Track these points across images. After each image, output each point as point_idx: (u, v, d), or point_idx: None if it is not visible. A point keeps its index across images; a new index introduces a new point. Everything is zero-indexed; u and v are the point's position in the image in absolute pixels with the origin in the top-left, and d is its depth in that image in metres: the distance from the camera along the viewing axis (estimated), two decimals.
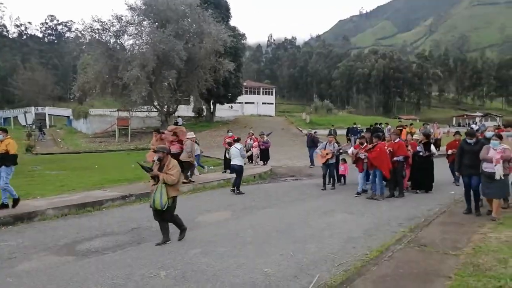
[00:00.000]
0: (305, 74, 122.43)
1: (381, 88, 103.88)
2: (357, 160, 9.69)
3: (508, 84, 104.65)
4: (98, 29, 28.24)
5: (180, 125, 33.04)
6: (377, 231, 6.66)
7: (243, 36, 41.33)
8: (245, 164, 11.97)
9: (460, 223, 6.79)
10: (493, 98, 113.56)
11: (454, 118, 69.17)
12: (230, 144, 13.15)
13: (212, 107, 42.58)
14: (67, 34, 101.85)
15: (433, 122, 40.43)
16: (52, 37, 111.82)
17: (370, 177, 9.53)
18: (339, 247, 5.78)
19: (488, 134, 7.50)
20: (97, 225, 7.38)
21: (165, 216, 6.15)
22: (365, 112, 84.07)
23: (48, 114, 52.62)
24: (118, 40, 29.39)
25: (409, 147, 10.23)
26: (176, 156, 11.13)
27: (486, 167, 6.75)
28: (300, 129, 37.33)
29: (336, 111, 55.72)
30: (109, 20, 28.33)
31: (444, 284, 4.15)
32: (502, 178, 6.58)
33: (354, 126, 24.13)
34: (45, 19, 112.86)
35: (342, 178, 11.96)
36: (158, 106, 30.90)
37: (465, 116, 68.84)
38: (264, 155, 16.50)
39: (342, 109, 72.85)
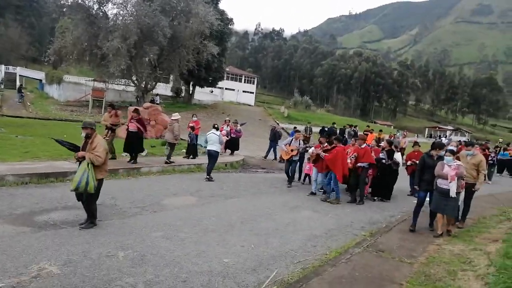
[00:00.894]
0: (288, 67, 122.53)
1: (361, 91, 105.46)
2: (316, 160, 9.58)
3: (480, 102, 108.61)
4: None
5: (157, 103, 32.65)
6: (339, 232, 6.79)
7: (230, 21, 40.73)
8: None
9: (418, 232, 7.00)
10: (465, 114, 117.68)
11: (426, 129, 71.19)
12: (192, 129, 13.49)
13: (191, 88, 41.99)
14: None
15: (403, 130, 41.43)
16: None
17: (327, 178, 9.39)
18: (300, 244, 5.86)
19: (449, 148, 7.13)
20: (58, 197, 7.17)
21: (87, 200, 5.60)
22: (343, 112, 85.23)
23: (19, 75, 50.28)
24: (101, 8, 28.28)
25: (372, 153, 9.94)
26: (132, 134, 11.18)
27: (441, 183, 6.57)
28: (277, 122, 37.48)
29: (314, 108, 56.22)
30: None
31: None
32: (455, 196, 6.48)
33: (333, 126, 23.56)
34: None
35: (307, 177, 11.70)
36: (136, 81, 30.09)
37: (437, 128, 70.94)
38: (233, 145, 16.16)
39: (321, 107, 73.50)
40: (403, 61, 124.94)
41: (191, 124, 13.87)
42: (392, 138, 19.58)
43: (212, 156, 10.67)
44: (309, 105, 52.96)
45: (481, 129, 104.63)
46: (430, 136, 62.25)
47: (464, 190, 6.99)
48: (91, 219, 5.71)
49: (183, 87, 42.59)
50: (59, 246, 4.82)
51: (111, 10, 28.93)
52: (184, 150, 14.06)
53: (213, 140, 10.68)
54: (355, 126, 22.23)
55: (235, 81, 65.80)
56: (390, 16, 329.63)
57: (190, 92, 42.24)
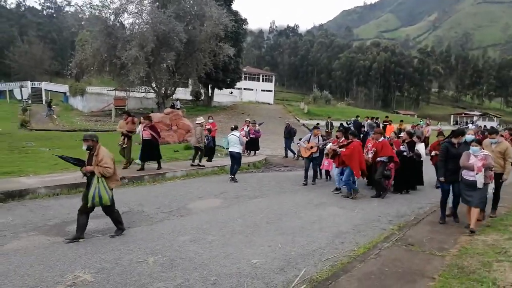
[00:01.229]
0: (305, 63, 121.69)
1: (381, 81, 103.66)
2: (334, 156, 9.46)
3: (508, 85, 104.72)
4: (97, 5, 27.82)
5: (177, 108, 33.09)
6: (366, 227, 6.71)
7: (244, 21, 40.84)
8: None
9: (448, 223, 6.84)
10: (492, 97, 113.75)
11: (452, 116, 69.29)
12: (209, 131, 13.51)
13: (210, 91, 42.35)
14: (66, 8, 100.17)
15: (426, 118, 40.40)
16: (51, 10, 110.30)
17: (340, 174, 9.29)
18: (328, 242, 5.83)
19: (468, 137, 6.73)
20: None
21: (107, 212, 5.72)
22: (364, 105, 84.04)
23: (45, 90, 52.03)
24: (117, 18, 28.93)
25: (393, 146, 9.66)
26: (147, 142, 10.99)
27: (466, 174, 6.22)
28: (298, 118, 37.33)
29: (334, 102, 55.65)
30: None
31: (427, 285, 4.20)
32: (482, 187, 6.11)
33: (357, 119, 22.42)
34: None
35: (327, 173, 11.43)
36: (155, 88, 30.62)
37: (463, 115, 68.90)
38: (254, 145, 15.97)
39: (341, 100, 72.71)
40: (423, 48, 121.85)
41: (207, 127, 13.82)
42: (414, 128, 19.17)
43: (234, 157, 10.74)
44: (329, 100, 52.44)
45: (510, 113, 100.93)
46: (456, 123, 60.55)
47: (492, 181, 6.46)
48: (118, 226, 5.84)
49: (202, 90, 42.97)
50: (92, 255, 4.97)
51: (127, 19, 29.57)
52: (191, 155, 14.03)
53: (233, 141, 10.75)
54: (377, 118, 21.82)
55: (253, 80, 65.89)
56: (406, 3, 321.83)
57: (210, 95, 42.60)
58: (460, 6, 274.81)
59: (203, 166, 12.25)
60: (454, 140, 6.75)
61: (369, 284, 4.27)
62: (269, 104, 54.97)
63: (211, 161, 13.39)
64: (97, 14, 28.17)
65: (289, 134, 16.56)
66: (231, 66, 36.58)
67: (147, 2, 28.80)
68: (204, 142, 12.48)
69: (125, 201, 7.96)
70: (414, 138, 9.96)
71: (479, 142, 6.37)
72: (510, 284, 3.94)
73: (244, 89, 59.58)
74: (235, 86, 45.34)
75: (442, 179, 6.82)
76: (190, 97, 44.44)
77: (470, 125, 33.15)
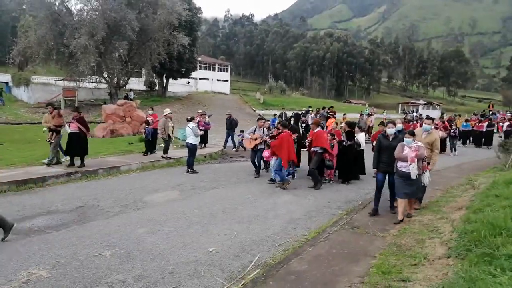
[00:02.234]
0: (261, 52, 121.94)
1: (335, 71, 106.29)
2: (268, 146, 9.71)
3: (449, 75, 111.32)
4: None
5: (131, 99, 32.18)
6: (317, 213, 7.12)
7: (199, 9, 40.33)
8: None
9: (389, 206, 7.40)
10: (436, 87, 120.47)
11: (399, 105, 72.72)
12: (148, 123, 13.09)
13: (164, 81, 41.56)
14: None
15: (371, 108, 42.17)
16: None
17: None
18: (281, 228, 6.16)
19: (389, 131, 6.85)
20: (39, 203, 7.21)
21: None
22: (318, 94, 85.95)
23: None
24: (64, 3, 27.53)
25: (334, 136, 9.96)
26: (74, 135, 10.37)
27: (400, 166, 6.29)
28: (254, 109, 37.67)
29: (289, 92, 56.59)
30: None
31: (369, 263, 4.63)
32: (417, 177, 6.23)
33: (309, 109, 23.17)
34: None
35: (267, 164, 11.13)
36: (107, 78, 29.63)
37: (409, 104, 72.54)
38: (202, 138, 15.05)
39: (296, 90, 74.00)
40: (373, 39, 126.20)
41: (148, 118, 13.41)
42: (359, 118, 20.02)
43: (189, 149, 10.80)
44: (284, 90, 53.28)
45: (452, 101, 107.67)
46: (404, 111, 63.76)
47: (427, 171, 6.69)
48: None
49: (156, 80, 42.10)
50: (46, 251, 4.94)
51: (74, 5, 28.27)
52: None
53: (188, 133, 10.81)
54: (329, 108, 22.52)
55: (208, 70, 65.26)
56: None
57: (164, 85, 41.81)
58: None
59: (169, 157, 12.19)
60: (386, 130, 6.93)
61: (318, 265, 4.63)
62: (225, 94, 54.87)
63: (146, 154, 12.77)
64: None
65: (231, 125, 16.49)
66: (185, 56, 36.10)
67: None
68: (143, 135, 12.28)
69: (79, 195, 7.86)
70: (356, 128, 10.36)
71: (412, 133, 6.44)
72: (438, 257, 4.44)
73: (200, 78, 58.94)
74: (190, 76, 44.79)
75: (374, 169, 7.05)
76: (144, 87, 43.39)
77: (414, 114, 35.13)
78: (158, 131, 12.53)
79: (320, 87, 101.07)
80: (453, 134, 16.64)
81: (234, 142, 16.53)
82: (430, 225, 5.90)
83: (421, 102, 73.49)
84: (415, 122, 18.13)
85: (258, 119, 11.15)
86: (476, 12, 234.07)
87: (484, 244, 4.03)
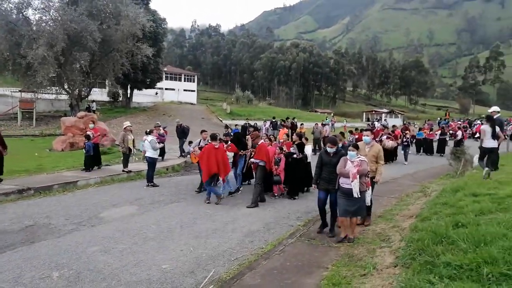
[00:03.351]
0: (228, 62, 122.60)
1: (301, 81, 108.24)
2: None
3: (410, 84, 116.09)
4: None
5: (93, 110, 31.35)
6: (276, 224, 7.17)
7: (163, 20, 40.01)
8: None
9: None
10: (398, 96, 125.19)
11: (364, 113, 74.80)
12: (88, 138, 12.42)
13: (129, 92, 40.79)
14: None
15: (332, 117, 43.22)
16: None
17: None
18: (238, 241, 6.15)
19: (366, 139, 6.87)
20: None
21: None
22: (285, 104, 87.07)
23: None
24: (21, 13, 26.54)
25: (284, 148, 9.82)
26: None
27: (343, 182, 5.84)
28: (221, 119, 37.62)
29: (256, 102, 56.94)
30: None
31: (321, 275, 4.71)
32: (359, 195, 5.69)
33: (273, 120, 23.60)
34: None
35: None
36: (68, 89, 28.70)
37: (373, 112, 74.67)
38: (161, 150, 14.19)
39: (264, 100, 74.56)
40: (338, 50, 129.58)
41: (88, 132, 12.68)
42: (313, 128, 20.01)
43: (148, 162, 10.63)
44: (251, 100, 53.52)
45: (413, 109, 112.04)
46: (368, 119, 65.60)
47: (371, 187, 6.27)
48: None
49: (120, 91, 41.24)
50: None
51: (32, 15, 27.30)
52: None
53: (146, 146, 10.64)
54: (293, 118, 22.91)
55: (175, 80, 64.61)
56: (323, 6, 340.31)
57: (128, 96, 41.04)
58: (369, 11, 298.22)
59: (129, 171, 11.94)
60: (328, 148, 6.35)
61: (271, 279, 4.66)
62: (192, 104, 54.48)
63: (88, 170, 12.02)
64: None
65: (183, 133, 16.35)
66: (150, 66, 35.60)
67: None
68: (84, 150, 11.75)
69: (29, 214, 7.54)
70: (303, 140, 10.00)
71: (356, 146, 6.02)
72: (386, 267, 4.59)
73: (166, 89, 58.23)
74: (156, 86, 44.22)
75: (313, 186, 6.67)
76: (107, 98, 42.38)
77: (376, 123, 36.22)
78: (118, 143, 12.26)
79: (287, 97, 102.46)
80: (406, 143, 16.80)
81: (181, 150, 16.23)
82: (383, 234, 6.09)
83: (384, 110, 75.83)
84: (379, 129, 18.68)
85: (202, 131, 10.75)
86: (432, 24, 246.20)
87: (427, 252, 4.20)
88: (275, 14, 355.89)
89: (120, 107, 39.83)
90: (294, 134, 10.79)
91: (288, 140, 10.77)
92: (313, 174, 7.19)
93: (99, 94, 40.56)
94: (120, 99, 42.02)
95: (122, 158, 12.58)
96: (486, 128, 8.63)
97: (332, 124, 37.28)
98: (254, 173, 9.40)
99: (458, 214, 5.19)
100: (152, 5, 39.54)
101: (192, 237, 6.29)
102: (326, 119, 36.27)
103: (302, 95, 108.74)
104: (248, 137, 11.40)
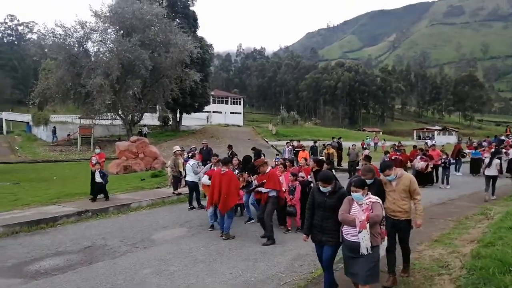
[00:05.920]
0: (273, 84, 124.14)
1: (347, 100, 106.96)
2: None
3: (464, 100, 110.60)
4: (60, 34, 27.61)
5: (145, 134, 32.78)
6: None
7: (210, 46, 41.58)
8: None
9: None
10: (451, 112, 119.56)
11: (414, 131, 72.08)
12: (99, 164, 11.44)
13: (178, 116, 42.40)
14: (29, 36, 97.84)
15: (374, 136, 41.15)
16: (11, 37, 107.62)
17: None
18: (287, 265, 6.05)
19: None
20: (49, 244, 7.29)
21: None
22: (332, 123, 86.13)
23: (6, 119, 50.39)
24: (81, 47, 28.80)
25: (302, 174, 8.53)
26: None
27: (347, 233, 4.15)
28: (267, 140, 37.83)
29: (302, 122, 56.73)
30: (72, 26, 27.75)
31: None
32: (370, 252, 3.98)
33: (315, 145, 21.02)
34: (5, 19, 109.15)
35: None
36: (122, 115, 30.41)
37: (425, 130, 71.85)
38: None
39: (309, 120, 74.28)
40: (384, 67, 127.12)
41: (93, 160, 11.58)
42: (349, 149, 18.11)
43: (189, 186, 10.69)
44: (296, 120, 53.42)
45: (468, 126, 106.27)
46: (419, 137, 63.07)
47: (386, 238, 4.71)
48: None
49: (170, 115, 42.98)
50: None
51: (91, 48, 29.48)
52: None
53: (187, 170, 10.77)
54: (339, 138, 22.47)
55: (221, 103, 66.47)
56: (367, 25, 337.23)
57: (178, 120, 42.63)
58: (416, 28, 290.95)
59: (179, 193, 12.20)
60: (321, 185, 4.58)
61: None
62: (238, 126, 55.46)
63: (95, 200, 10.98)
64: (60, 42, 27.93)
65: (208, 155, 14.91)
66: (198, 91, 36.89)
67: (111, 30, 28.89)
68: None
69: (87, 235, 7.92)
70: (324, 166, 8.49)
71: (362, 184, 4.19)
72: None
73: (213, 112, 59.97)
74: (204, 110, 45.64)
75: (304, 237, 4.88)
76: (158, 123, 44.29)
77: (428, 141, 34.60)
78: (168, 169, 12.55)
79: (333, 116, 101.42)
80: (443, 164, 14.91)
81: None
82: (441, 260, 5.71)
83: (437, 127, 72.69)
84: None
85: (213, 155, 10.17)
86: (486, 37, 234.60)
87: (493, 282, 3.89)
88: (319, 35, 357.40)
89: (170, 131, 41.41)
90: (311, 160, 9.26)
91: (306, 165, 9.21)
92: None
93: (150, 119, 42.54)
94: (170, 123, 43.73)
95: (172, 181, 12.93)
96: None
97: (375, 144, 35.94)
98: (260, 205, 7.93)
99: None
100: (199, 32, 41.35)
101: (241, 260, 6.28)
102: (367, 139, 34.72)
103: (348, 114, 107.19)
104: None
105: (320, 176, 4.73)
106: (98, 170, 11.13)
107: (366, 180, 4.47)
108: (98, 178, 11.00)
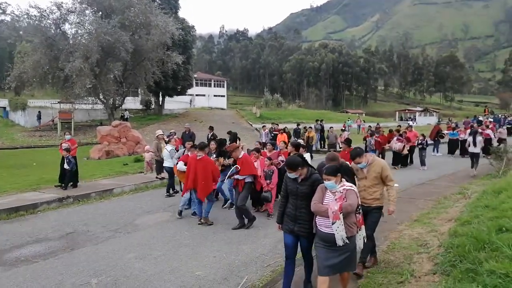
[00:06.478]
0: (257, 66, 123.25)
1: (331, 81, 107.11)
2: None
3: (445, 80, 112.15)
4: (35, 15, 26.64)
5: (126, 119, 32.27)
6: None
7: (192, 28, 40.78)
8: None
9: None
10: (432, 93, 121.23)
11: (397, 112, 72.84)
12: (67, 150, 10.62)
13: (160, 99, 41.83)
14: (2, 17, 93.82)
15: (357, 117, 41.28)
16: None
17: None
18: (271, 247, 6.11)
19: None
20: (29, 231, 7.18)
21: None
22: (315, 105, 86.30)
23: None
24: (58, 29, 27.88)
25: (282, 158, 8.35)
26: None
27: (320, 224, 3.81)
28: (250, 123, 37.73)
29: (286, 104, 56.70)
30: (48, 7, 26.78)
31: (356, 282, 4.58)
32: (347, 242, 3.68)
33: (298, 127, 20.75)
34: None
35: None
36: (103, 99, 29.80)
37: (406, 111, 72.68)
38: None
39: (293, 102, 74.25)
40: (367, 48, 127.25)
41: (64, 145, 10.91)
42: (328, 132, 18.21)
43: (167, 171, 10.54)
44: (280, 103, 53.38)
45: (449, 106, 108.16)
46: (401, 118, 63.85)
47: (363, 225, 4.08)
48: None
49: (152, 99, 42.36)
50: (32, 282, 4.90)
51: (69, 30, 28.59)
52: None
53: (165, 156, 10.51)
54: (321, 121, 22.57)
55: (204, 86, 65.72)
56: (350, 5, 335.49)
57: (160, 103, 42.07)
58: (399, 8, 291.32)
59: (162, 178, 12.02)
60: (288, 172, 4.25)
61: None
62: (222, 109, 55.10)
63: (65, 188, 10.42)
64: (35, 24, 26.95)
65: (190, 139, 14.67)
66: (180, 74, 36.34)
67: (89, 11, 28.01)
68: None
69: (69, 221, 7.83)
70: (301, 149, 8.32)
71: (334, 171, 3.82)
72: (424, 274, 4.41)
73: (196, 95, 59.29)
74: (187, 93, 45.11)
75: (278, 226, 4.52)
76: (140, 106, 43.66)
77: (410, 122, 35.08)
78: (145, 154, 12.30)
79: (317, 98, 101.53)
80: (421, 146, 14.79)
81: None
82: (420, 239, 5.86)
83: (418, 108, 73.64)
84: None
85: (187, 142, 9.96)
86: (467, 17, 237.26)
87: (469, 259, 4.00)
88: (302, 15, 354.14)
89: (152, 115, 40.91)
90: (289, 144, 8.72)
91: (286, 148, 8.91)
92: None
93: (132, 103, 41.87)
94: (153, 106, 43.17)
95: (155, 165, 12.81)
96: None
97: (358, 126, 35.98)
98: (235, 191, 7.67)
99: (501, 218, 4.91)
100: (180, 14, 40.52)
101: (225, 243, 6.31)
102: (348, 120, 34.89)
103: (332, 96, 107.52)
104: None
105: (286, 162, 4.47)
106: (66, 157, 10.52)
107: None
108: (66, 165, 10.51)
